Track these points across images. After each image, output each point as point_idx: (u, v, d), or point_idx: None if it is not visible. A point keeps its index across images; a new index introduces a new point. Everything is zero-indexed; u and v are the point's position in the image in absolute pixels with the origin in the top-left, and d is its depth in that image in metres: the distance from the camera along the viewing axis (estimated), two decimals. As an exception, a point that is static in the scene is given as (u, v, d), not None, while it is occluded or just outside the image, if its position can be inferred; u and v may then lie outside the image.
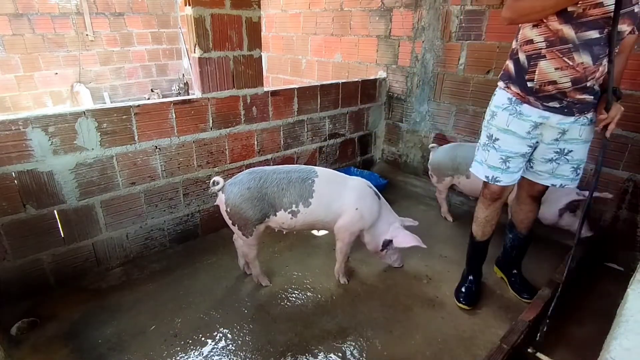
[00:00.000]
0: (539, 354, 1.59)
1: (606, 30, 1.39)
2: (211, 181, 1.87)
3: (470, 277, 2.01)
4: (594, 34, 1.39)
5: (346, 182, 1.98)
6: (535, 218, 1.96)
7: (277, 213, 1.88)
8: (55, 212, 1.91)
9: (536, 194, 1.86)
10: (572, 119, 1.57)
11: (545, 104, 1.55)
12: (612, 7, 1.34)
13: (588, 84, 1.51)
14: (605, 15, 1.36)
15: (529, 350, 1.58)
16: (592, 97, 1.56)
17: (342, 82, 3.00)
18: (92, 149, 1.94)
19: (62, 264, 2.00)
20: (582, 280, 2.13)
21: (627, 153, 2.26)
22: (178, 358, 1.64)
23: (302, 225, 1.94)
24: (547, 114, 1.57)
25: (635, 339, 0.62)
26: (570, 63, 1.46)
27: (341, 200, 1.92)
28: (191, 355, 1.65)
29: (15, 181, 1.77)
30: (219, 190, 1.87)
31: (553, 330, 1.81)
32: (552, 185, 1.76)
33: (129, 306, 1.91)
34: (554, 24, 1.43)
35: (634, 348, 0.61)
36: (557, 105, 1.54)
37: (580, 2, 1.37)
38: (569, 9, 1.38)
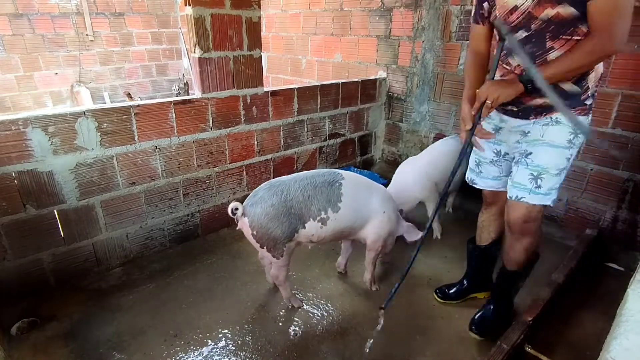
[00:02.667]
0: (539, 354, 1.60)
1: (533, 26, 1.36)
2: (230, 209, 1.69)
3: (464, 281, 2.01)
4: (521, 34, 1.40)
5: (370, 185, 1.92)
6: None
7: (305, 225, 1.73)
8: (55, 212, 1.91)
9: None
10: (530, 120, 1.49)
11: (503, 107, 1.54)
12: (528, 4, 1.34)
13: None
14: (524, 15, 1.36)
15: (528, 349, 1.59)
16: (542, 98, 1.44)
17: (342, 82, 3.00)
18: (92, 149, 1.94)
19: (62, 264, 2.00)
20: (582, 280, 2.13)
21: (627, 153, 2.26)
22: (178, 358, 1.64)
23: (332, 235, 1.81)
24: (505, 117, 1.57)
25: (635, 339, 0.62)
26: (509, 68, 1.48)
27: (369, 204, 1.84)
28: (191, 355, 1.65)
29: (15, 181, 1.77)
30: (241, 215, 1.71)
31: (553, 331, 1.81)
32: (509, 197, 1.56)
33: (129, 306, 1.91)
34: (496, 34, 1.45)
35: (634, 348, 0.61)
36: (515, 109, 1.52)
37: (498, 12, 1.41)
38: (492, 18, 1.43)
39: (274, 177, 2.76)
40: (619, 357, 0.60)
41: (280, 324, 1.83)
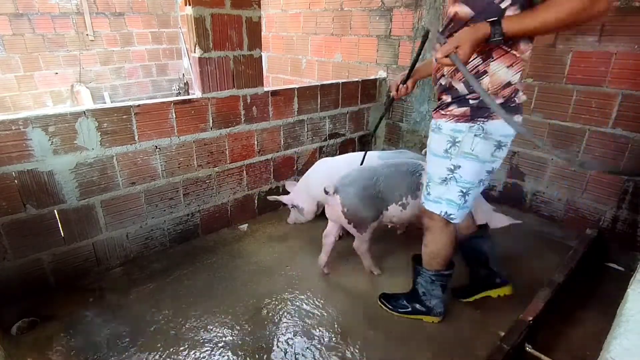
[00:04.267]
0: (539, 354, 1.60)
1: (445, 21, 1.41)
2: (324, 188, 1.92)
3: (471, 280, 2.02)
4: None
5: None
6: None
7: (388, 207, 1.94)
8: (55, 212, 1.91)
9: None
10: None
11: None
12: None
13: (442, 81, 1.50)
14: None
15: (528, 349, 1.59)
16: (450, 96, 1.46)
17: (342, 82, 3.00)
18: (93, 148, 1.94)
19: (62, 264, 2.00)
20: (582, 280, 2.13)
21: (627, 153, 2.26)
22: (178, 358, 1.64)
23: (408, 218, 2.01)
24: None
25: (635, 339, 0.62)
26: (436, 62, 1.50)
27: None
28: (191, 355, 1.65)
29: (16, 181, 1.77)
30: (332, 193, 1.92)
31: (553, 331, 1.81)
32: None
33: (129, 306, 1.91)
34: None
35: (634, 348, 0.61)
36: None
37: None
38: None
39: (274, 177, 2.78)
40: (619, 357, 0.60)
41: (280, 324, 1.83)
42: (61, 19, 4.69)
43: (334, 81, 2.96)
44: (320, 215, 2.61)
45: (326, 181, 2.32)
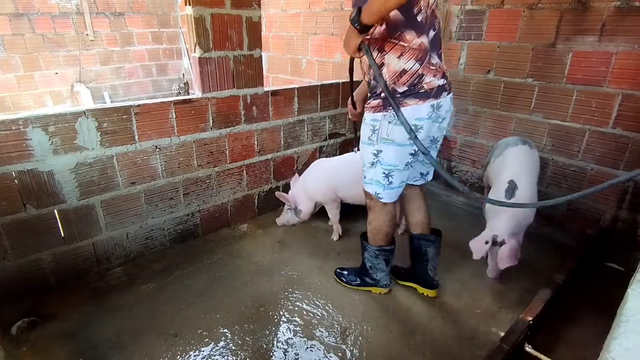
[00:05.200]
0: (539, 354, 1.60)
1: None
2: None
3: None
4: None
5: None
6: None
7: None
8: (56, 211, 1.91)
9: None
10: None
11: None
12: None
13: (367, 81, 1.70)
14: None
15: (528, 349, 1.59)
16: (370, 91, 1.67)
17: (342, 82, 2.99)
18: (93, 148, 1.94)
19: (62, 264, 2.00)
20: (582, 280, 2.13)
21: (627, 153, 2.26)
22: (178, 358, 1.64)
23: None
24: None
25: (635, 339, 0.62)
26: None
27: None
28: (191, 355, 1.65)
29: (16, 181, 1.77)
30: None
31: (553, 331, 1.81)
32: None
33: (129, 306, 1.91)
34: None
35: (634, 348, 0.61)
36: None
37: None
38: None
39: (274, 177, 2.78)
40: (619, 357, 0.60)
41: (280, 324, 1.83)
42: (61, 19, 4.69)
43: (334, 81, 2.96)
44: (316, 215, 2.61)
45: (323, 181, 2.34)
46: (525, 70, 2.54)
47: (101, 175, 2.00)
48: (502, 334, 1.70)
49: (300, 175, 2.55)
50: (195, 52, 2.14)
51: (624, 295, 0.73)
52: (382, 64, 1.54)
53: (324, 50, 3.84)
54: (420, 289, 2.02)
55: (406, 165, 1.67)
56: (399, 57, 1.50)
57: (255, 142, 2.58)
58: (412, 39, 1.47)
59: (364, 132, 1.68)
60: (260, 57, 2.40)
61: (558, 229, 2.58)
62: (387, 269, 1.94)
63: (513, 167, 2.16)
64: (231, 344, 1.71)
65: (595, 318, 1.87)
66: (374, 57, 1.51)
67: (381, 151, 1.64)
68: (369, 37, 1.51)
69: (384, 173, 1.68)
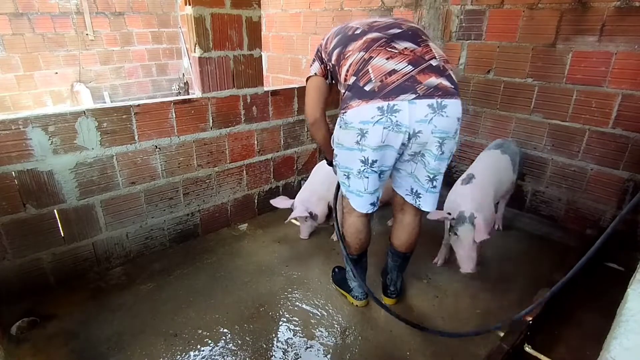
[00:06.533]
0: (538, 354, 1.60)
1: None
2: None
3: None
4: None
5: None
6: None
7: None
8: (55, 211, 1.91)
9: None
10: None
11: None
12: None
13: None
14: None
15: (527, 349, 1.59)
16: None
17: (342, 82, 2.99)
18: (92, 148, 1.93)
19: (62, 264, 2.00)
20: (582, 280, 2.13)
21: (627, 153, 2.26)
22: (178, 358, 1.64)
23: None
24: None
25: (635, 339, 0.62)
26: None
27: None
28: (191, 355, 1.65)
29: (15, 181, 1.77)
30: None
31: (553, 331, 1.81)
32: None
33: (129, 306, 1.91)
34: None
35: (634, 348, 0.61)
36: None
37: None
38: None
39: (274, 177, 2.78)
40: (619, 357, 0.60)
41: (280, 324, 1.83)
42: (61, 19, 4.69)
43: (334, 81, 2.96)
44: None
45: (330, 179, 2.28)
46: (525, 70, 2.54)
47: (101, 175, 2.00)
48: (502, 334, 1.70)
49: (299, 177, 2.50)
50: (195, 52, 2.14)
51: (624, 295, 0.73)
52: (341, 83, 1.62)
53: (324, 50, 3.84)
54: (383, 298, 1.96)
55: (359, 172, 1.54)
56: (345, 65, 1.54)
57: (255, 142, 2.58)
58: (352, 46, 1.54)
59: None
60: (260, 57, 2.40)
61: (558, 229, 2.58)
62: (356, 280, 1.84)
63: (477, 165, 2.30)
64: (231, 344, 1.71)
65: (595, 318, 1.87)
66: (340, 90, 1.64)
67: (336, 155, 1.64)
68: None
69: (344, 174, 1.63)
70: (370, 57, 1.45)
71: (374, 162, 1.49)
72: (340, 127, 1.55)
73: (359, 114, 1.44)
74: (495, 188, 2.18)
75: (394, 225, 1.86)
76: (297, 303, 1.96)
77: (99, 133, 1.93)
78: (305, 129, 2.86)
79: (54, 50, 4.74)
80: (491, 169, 2.26)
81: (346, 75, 1.53)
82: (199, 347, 1.69)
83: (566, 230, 2.55)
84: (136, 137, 2.06)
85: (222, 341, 1.72)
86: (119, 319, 1.82)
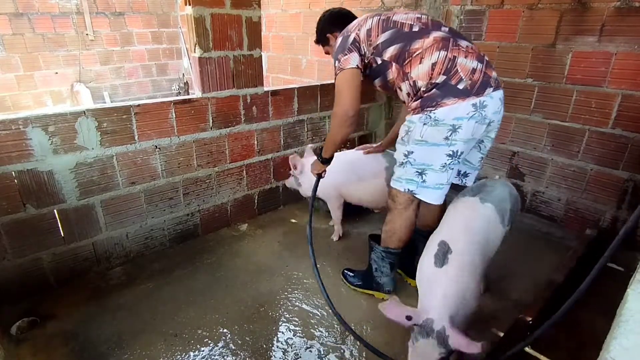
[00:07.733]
0: (538, 354, 1.60)
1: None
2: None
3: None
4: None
5: None
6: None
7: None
8: (55, 211, 1.91)
9: None
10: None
11: None
12: None
13: (401, 97, 1.78)
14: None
15: (527, 349, 1.58)
16: (412, 96, 1.70)
17: (342, 82, 2.99)
18: (92, 148, 1.93)
19: (62, 264, 2.00)
20: (582, 280, 2.13)
21: (627, 153, 2.26)
22: (178, 358, 1.64)
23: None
24: None
25: (635, 339, 0.62)
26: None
27: None
28: (191, 355, 1.65)
29: (15, 181, 1.77)
30: None
31: (553, 331, 1.81)
32: None
33: (129, 306, 1.91)
34: None
35: (634, 348, 0.61)
36: None
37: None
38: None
39: (274, 177, 2.78)
40: (619, 357, 0.60)
41: (280, 324, 1.83)
42: (61, 19, 4.69)
43: (334, 81, 2.95)
44: (316, 216, 2.61)
45: (328, 177, 2.24)
46: (525, 71, 2.54)
47: (101, 175, 2.00)
48: (502, 334, 1.70)
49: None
50: (195, 52, 2.14)
51: (624, 295, 0.73)
52: (415, 82, 1.58)
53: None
54: (405, 277, 2.08)
55: (443, 166, 1.62)
56: (420, 63, 1.56)
57: (255, 142, 2.58)
58: (419, 44, 1.55)
59: (400, 132, 1.71)
60: (260, 57, 2.40)
61: (558, 229, 2.58)
62: (391, 274, 1.92)
63: (452, 224, 1.61)
64: (231, 344, 1.71)
65: (595, 318, 1.87)
66: (405, 89, 1.64)
67: (412, 152, 1.64)
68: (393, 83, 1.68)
69: (417, 172, 1.66)
70: (454, 57, 1.54)
71: (461, 154, 1.60)
72: (426, 124, 1.56)
73: (454, 111, 1.52)
74: (483, 255, 1.53)
75: (421, 211, 1.91)
76: (297, 303, 1.96)
77: (99, 133, 1.93)
78: (306, 129, 2.86)
79: (54, 50, 4.74)
80: (473, 230, 1.55)
81: (431, 74, 1.55)
82: (199, 347, 1.69)
83: (566, 230, 2.55)
84: (136, 137, 2.06)
85: (222, 341, 1.72)
86: (119, 319, 1.82)
